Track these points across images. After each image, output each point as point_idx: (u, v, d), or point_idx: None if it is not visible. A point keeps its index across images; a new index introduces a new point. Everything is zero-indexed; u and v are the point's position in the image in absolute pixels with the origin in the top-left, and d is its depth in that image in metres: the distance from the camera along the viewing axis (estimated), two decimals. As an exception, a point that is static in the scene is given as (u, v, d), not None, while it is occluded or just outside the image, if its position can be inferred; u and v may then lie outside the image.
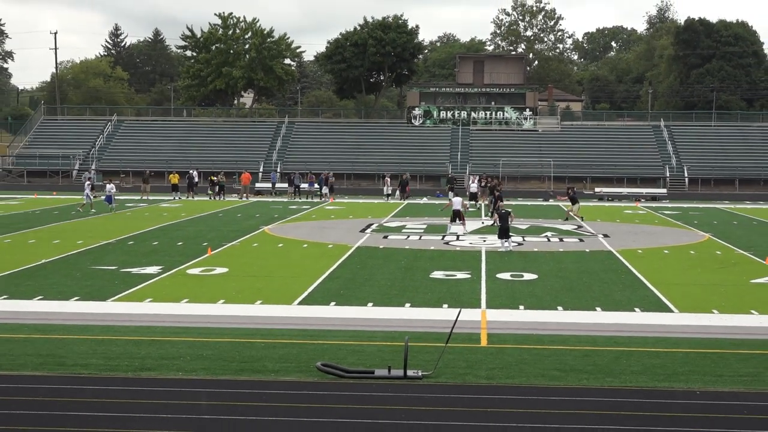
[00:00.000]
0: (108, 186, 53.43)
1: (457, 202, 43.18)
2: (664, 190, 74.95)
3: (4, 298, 24.58)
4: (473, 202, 59.09)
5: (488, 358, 18.34)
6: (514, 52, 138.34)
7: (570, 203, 50.94)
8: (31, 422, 14.29)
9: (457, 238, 39.90)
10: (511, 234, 36.77)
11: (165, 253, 34.19)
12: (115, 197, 53.62)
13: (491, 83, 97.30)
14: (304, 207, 57.49)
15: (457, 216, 42.41)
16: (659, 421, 14.60)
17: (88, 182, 53.69)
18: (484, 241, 39.11)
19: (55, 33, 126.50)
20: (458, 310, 20.87)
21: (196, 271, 29.83)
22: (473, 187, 60.66)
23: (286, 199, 64.73)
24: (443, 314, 22.54)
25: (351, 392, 16.00)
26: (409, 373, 16.83)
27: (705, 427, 14.35)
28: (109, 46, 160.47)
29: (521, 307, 24.05)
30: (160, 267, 30.39)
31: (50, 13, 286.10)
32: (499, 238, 36.39)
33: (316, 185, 68.02)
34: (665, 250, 36.61)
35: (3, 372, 17.11)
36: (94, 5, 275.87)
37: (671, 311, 23.64)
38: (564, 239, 40.26)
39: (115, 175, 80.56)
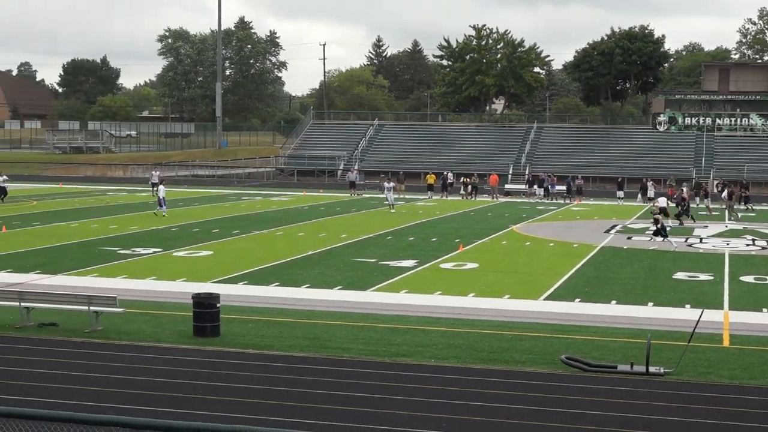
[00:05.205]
0: (386, 185, 54.28)
1: (662, 200, 44.47)
2: None
3: (276, 285, 25.53)
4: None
5: (730, 359, 17.63)
6: (760, 60, 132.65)
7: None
8: (296, 399, 14.78)
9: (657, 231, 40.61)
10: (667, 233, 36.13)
11: (420, 248, 34.60)
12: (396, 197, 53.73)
13: (737, 90, 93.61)
14: (551, 208, 56.86)
15: (663, 212, 42.27)
16: None
17: (387, 183, 54.64)
18: (728, 244, 37.60)
19: (324, 45, 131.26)
20: (701, 310, 20.20)
21: (448, 265, 30.05)
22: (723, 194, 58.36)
23: (533, 200, 64.16)
24: (685, 314, 21.81)
25: (594, 385, 15.73)
26: (651, 369, 16.40)
27: None
28: (372, 56, 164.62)
29: (765, 310, 22.98)
30: (416, 261, 30.79)
31: (319, 26, 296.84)
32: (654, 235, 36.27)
33: (557, 187, 66.92)
34: None
35: (274, 352, 17.78)
36: (359, 19, 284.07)
37: None
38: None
39: (376, 175, 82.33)
